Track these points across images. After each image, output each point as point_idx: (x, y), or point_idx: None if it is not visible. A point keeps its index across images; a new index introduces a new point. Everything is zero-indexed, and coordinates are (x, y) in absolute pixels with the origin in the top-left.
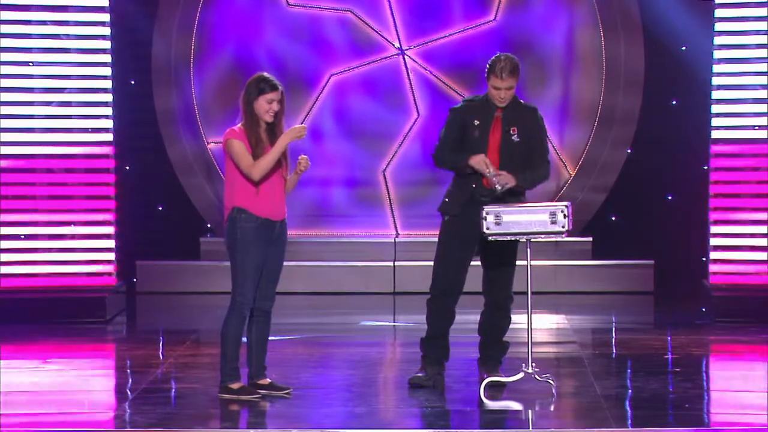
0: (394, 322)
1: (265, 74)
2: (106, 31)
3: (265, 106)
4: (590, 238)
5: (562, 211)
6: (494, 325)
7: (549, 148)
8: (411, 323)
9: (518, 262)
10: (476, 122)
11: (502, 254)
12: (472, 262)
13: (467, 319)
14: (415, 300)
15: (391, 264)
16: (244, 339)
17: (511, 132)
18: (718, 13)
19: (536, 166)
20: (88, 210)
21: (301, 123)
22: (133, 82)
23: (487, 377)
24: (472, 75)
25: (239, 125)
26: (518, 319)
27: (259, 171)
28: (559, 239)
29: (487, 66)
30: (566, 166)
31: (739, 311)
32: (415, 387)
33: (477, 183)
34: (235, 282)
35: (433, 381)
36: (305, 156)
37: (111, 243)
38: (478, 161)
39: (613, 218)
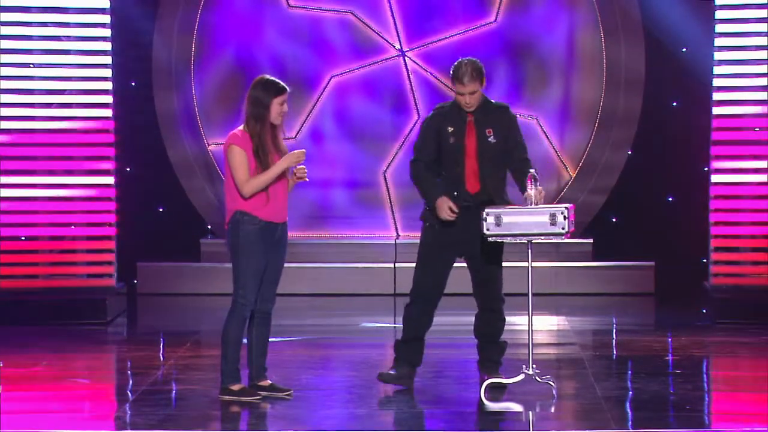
0: (394, 323)
1: (269, 76)
2: (107, 32)
3: (278, 108)
4: (591, 240)
5: (562, 213)
6: (489, 327)
7: (525, 144)
8: None
9: (519, 264)
10: (450, 129)
11: (487, 256)
12: (460, 265)
13: (463, 321)
14: None
15: (391, 265)
16: (245, 340)
17: (487, 134)
18: (719, 14)
19: (525, 164)
20: (88, 211)
21: (302, 124)
22: (133, 84)
23: (487, 379)
24: None
25: (242, 128)
26: (519, 321)
27: (250, 189)
28: (559, 241)
29: (450, 72)
30: (567, 168)
31: (739, 313)
32: (383, 382)
33: (459, 190)
34: (236, 284)
35: (403, 381)
36: (304, 168)
37: (112, 244)
38: (442, 208)
39: (614, 219)
